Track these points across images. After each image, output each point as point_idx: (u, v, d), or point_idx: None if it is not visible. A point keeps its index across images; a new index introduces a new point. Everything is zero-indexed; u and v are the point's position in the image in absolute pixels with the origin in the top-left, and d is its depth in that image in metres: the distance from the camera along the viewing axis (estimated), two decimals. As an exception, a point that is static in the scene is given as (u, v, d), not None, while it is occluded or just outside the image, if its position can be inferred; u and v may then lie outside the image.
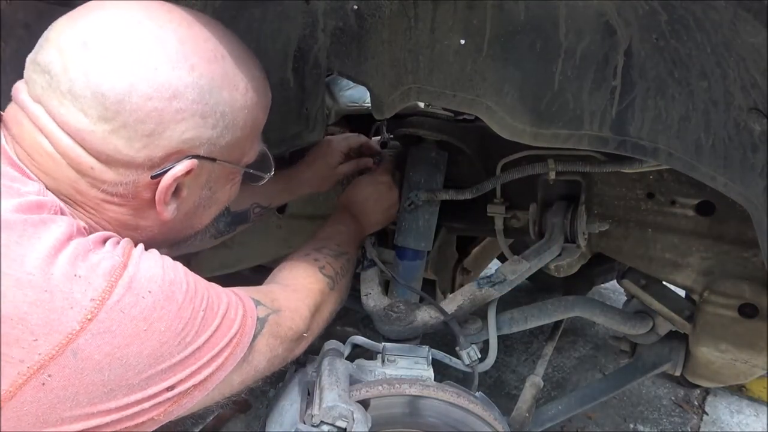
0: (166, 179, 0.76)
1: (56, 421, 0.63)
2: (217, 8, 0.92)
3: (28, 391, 0.61)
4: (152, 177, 0.75)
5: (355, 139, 1.40)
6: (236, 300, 0.80)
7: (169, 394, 0.70)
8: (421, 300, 1.27)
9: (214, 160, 0.80)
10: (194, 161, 0.77)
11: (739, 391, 2.22)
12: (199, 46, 0.75)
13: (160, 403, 0.69)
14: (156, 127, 0.72)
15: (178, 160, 0.76)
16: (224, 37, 0.80)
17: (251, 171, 0.92)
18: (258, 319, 0.82)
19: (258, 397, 2.10)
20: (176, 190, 0.79)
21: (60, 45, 0.71)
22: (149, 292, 0.68)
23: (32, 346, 0.60)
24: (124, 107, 0.70)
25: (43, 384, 0.61)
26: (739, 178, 0.80)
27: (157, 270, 0.70)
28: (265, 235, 1.61)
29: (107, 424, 0.66)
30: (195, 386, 0.72)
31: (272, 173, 0.96)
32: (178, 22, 0.75)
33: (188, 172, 0.77)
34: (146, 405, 0.68)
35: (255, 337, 0.81)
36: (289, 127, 1.20)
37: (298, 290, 0.99)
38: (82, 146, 0.72)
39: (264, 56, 0.88)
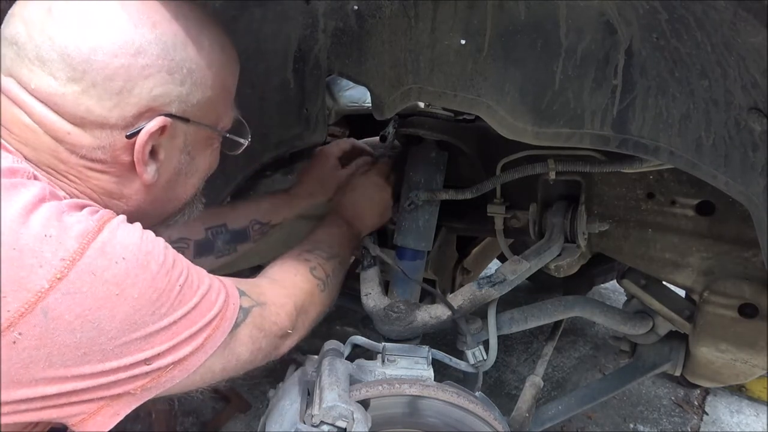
0: (141, 137, 0.76)
1: (30, 382, 0.64)
2: (218, 9, 0.92)
3: None
4: (127, 137, 0.76)
5: (345, 142, 1.43)
6: (219, 285, 0.81)
7: (146, 368, 0.70)
8: (426, 296, 1.26)
9: (187, 120, 0.81)
10: (167, 119, 0.78)
11: (739, 391, 2.23)
12: (160, 6, 0.77)
13: (136, 376, 0.70)
14: (124, 84, 0.74)
15: (151, 119, 0.77)
16: (185, 2, 0.81)
17: (228, 135, 0.92)
18: (241, 308, 0.83)
19: (258, 397, 2.10)
20: (154, 152, 0.80)
21: (24, 16, 0.73)
22: (123, 258, 0.68)
23: (1, 303, 0.61)
24: (91, 66, 0.72)
25: (14, 342, 0.62)
26: (740, 177, 0.80)
27: (133, 239, 0.71)
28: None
29: (83, 390, 0.67)
30: (174, 364, 0.73)
31: (249, 140, 0.96)
32: None
33: (162, 130, 0.78)
34: (122, 375, 0.69)
35: (238, 325, 0.82)
36: (289, 128, 1.20)
37: (287, 287, 0.99)
38: (55, 111, 0.73)
39: (264, 57, 0.89)
